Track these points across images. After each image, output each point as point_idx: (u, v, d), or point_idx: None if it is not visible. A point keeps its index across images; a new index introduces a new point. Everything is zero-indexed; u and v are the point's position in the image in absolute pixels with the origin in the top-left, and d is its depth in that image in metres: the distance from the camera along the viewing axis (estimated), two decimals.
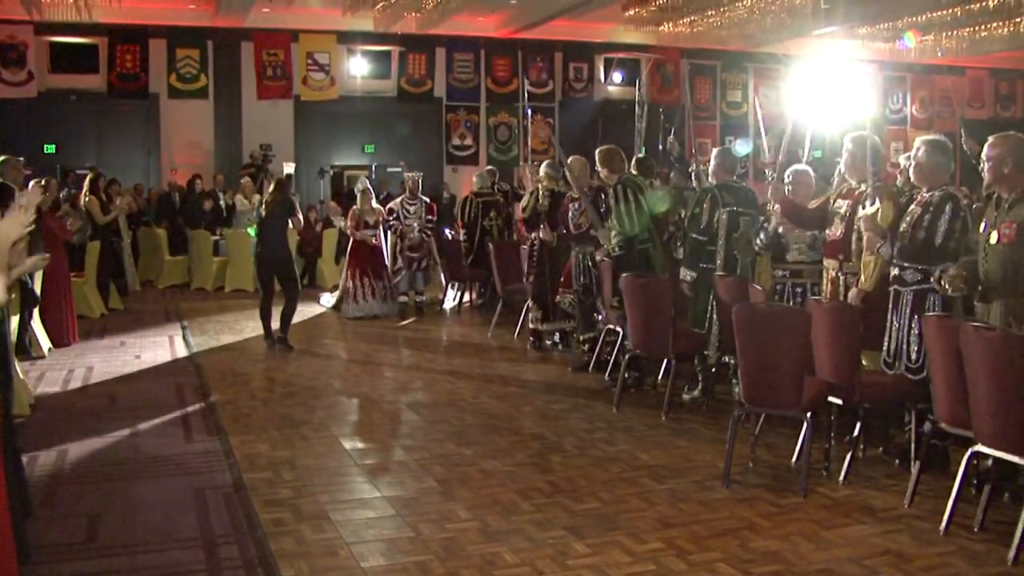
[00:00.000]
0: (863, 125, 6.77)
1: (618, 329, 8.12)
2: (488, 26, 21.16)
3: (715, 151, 7.92)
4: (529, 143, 13.18)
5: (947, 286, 5.22)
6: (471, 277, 13.17)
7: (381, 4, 17.83)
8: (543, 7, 19.01)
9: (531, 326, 10.13)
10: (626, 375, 7.89)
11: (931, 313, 5.56)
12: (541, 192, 9.84)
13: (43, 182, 10.04)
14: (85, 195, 12.72)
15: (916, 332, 5.64)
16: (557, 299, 9.41)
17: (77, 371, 9.06)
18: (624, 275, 7.74)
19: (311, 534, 4.92)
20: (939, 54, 19.58)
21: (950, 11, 17.66)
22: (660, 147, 9.97)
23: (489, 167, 15.60)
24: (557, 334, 10.11)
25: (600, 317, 8.89)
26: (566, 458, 6.28)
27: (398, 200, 12.97)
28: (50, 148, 19.39)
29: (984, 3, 16.80)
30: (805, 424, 5.60)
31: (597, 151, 8.41)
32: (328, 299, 13.46)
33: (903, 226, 5.77)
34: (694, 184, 8.75)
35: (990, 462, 5.04)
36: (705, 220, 7.62)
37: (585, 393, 8.16)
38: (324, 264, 16.14)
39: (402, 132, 21.82)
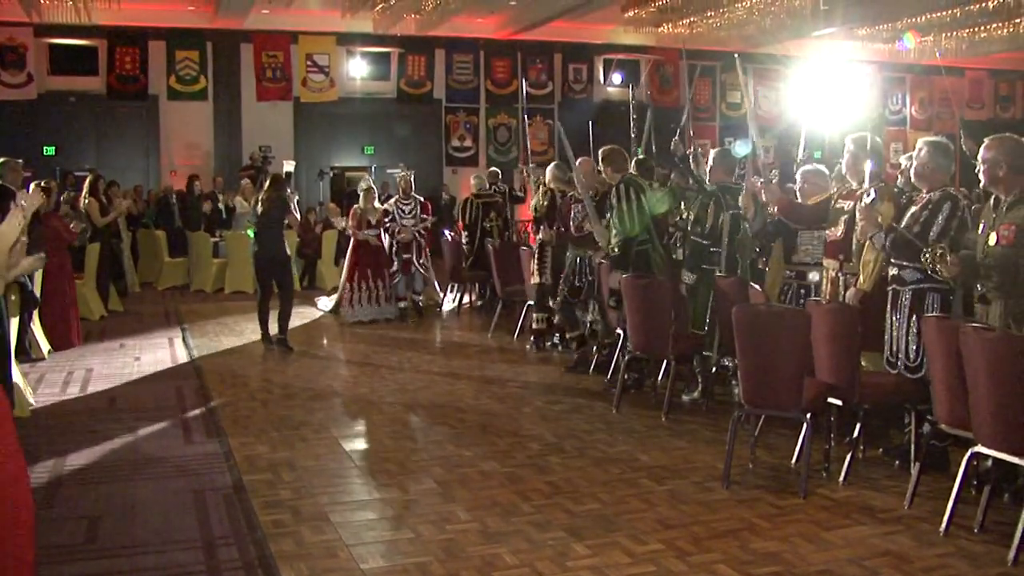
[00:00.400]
0: (863, 126, 6.77)
1: (619, 331, 8.11)
2: (487, 27, 21.18)
3: (714, 152, 7.91)
4: (529, 145, 13.08)
5: (936, 263, 5.23)
6: (471, 278, 13.13)
7: (380, 6, 17.85)
8: (542, 8, 19.03)
9: (534, 327, 10.13)
10: (626, 376, 7.90)
11: (930, 313, 5.57)
12: (541, 193, 9.84)
13: (43, 184, 10.04)
14: (84, 197, 12.72)
15: (915, 331, 5.65)
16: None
17: (77, 373, 9.06)
18: (624, 276, 7.74)
19: (311, 536, 4.92)
20: (938, 55, 19.59)
21: (949, 12, 17.69)
22: (653, 148, 9.94)
23: (492, 168, 15.60)
24: (557, 335, 10.10)
25: (585, 316, 8.96)
26: (566, 459, 6.27)
27: (392, 200, 12.79)
28: (50, 150, 19.42)
29: (983, 4, 16.82)
30: (805, 425, 5.59)
31: (601, 150, 8.41)
32: (326, 302, 13.35)
33: (902, 226, 5.77)
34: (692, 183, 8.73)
35: (990, 463, 5.04)
36: (709, 224, 7.61)
37: (585, 394, 8.16)
38: (324, 266, 16.14)
39: (401, 134, 21.84)
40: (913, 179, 5.93)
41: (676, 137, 8.53)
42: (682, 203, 8.39)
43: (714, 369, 7.70)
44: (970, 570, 4.48)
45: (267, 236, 10.26)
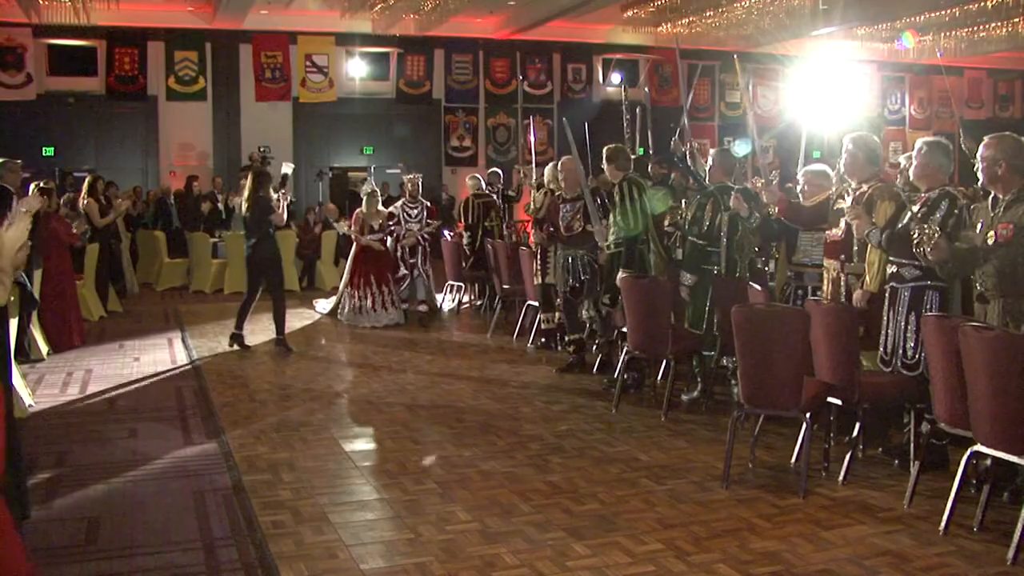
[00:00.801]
0: (861, 125, 6.78)
1: (623, 330, 8.11)
2: (486, 27, 21.19)
3: (713, 152, 7.91)
4: (532, 147, 13.01)
5: (924, 244, 5.24)
6: (471, 279, 13.08)
7: (379, 6, 17.87)
8: (541, 8, 19.04)
9: (542, 327, 10.12)
10: (625, 376, 7.90)
11: (928, 310, 5.59)
12: (541, 193, 9.83)
13: (42, 184, 10.04)
14: (83, 198, 12.72)
15: (913, 328, 5.65)
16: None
17: (76, 374, 9.06)
18: (623, 276, 7.74)
19: (310, 536, 4.92)
20: (939, 54, 19.59)
21: (948, 12, 17.69)
22: (650, 147, 9.94)
23: (493, 169, 15.59)
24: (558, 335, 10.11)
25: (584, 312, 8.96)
26: (565, 459, 6.28)
27: (398, 204, 12.57)
28: (48, 150, 19.42)
29: (982, 4, 16.83)
30: (804, 425, 5.60)
31: (605, 149, 8.41)
32: (323, 305, 13.14)
33: (899, 225, 5.78)
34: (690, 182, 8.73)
35: (989, 462, 5.05)
36: (707, 224, 7.62)
37: (584, 394, 8.16)
38: (323, 266, 16.15)
39: (401, 134, 21.84)
40: (913, 179, 5.94)
41: (675, 137, 8.53)
42: (683, 202, 8.39)
43: (713, 368, 7.70)
44: (969, 569, 4.48)
45: (253, 236, 10.10)
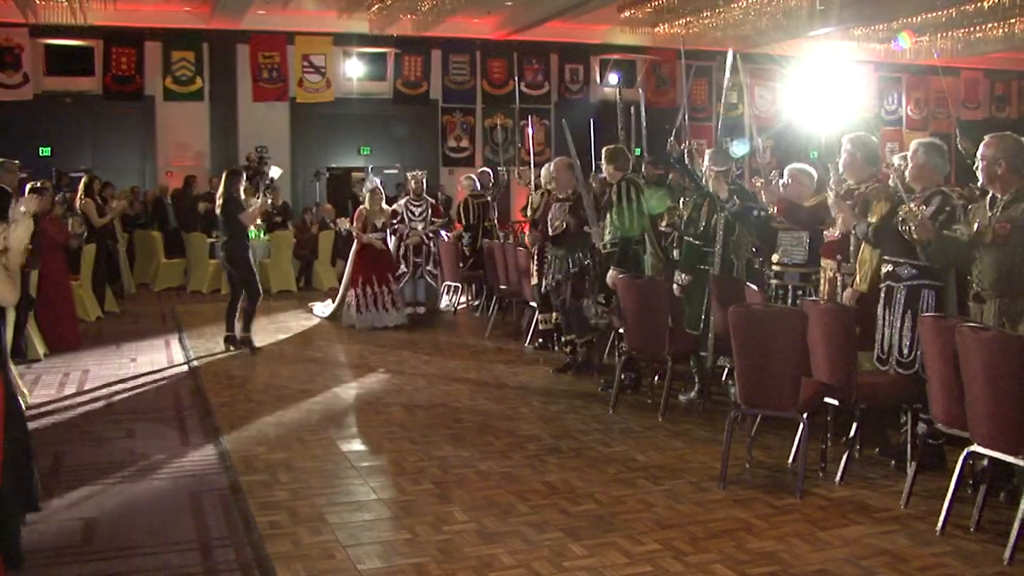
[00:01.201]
0: (858, 126, 6.78)
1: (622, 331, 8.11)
2: (484, 28, 21.16)
3: (709, 151, 7.91)
4: (531, 148, 12.99)
5: (911, 222, 5.26)
6: (469, 279, 13.03)
7: (377, 6, 17.85)
8: (538, 9, 19.02)
9: (540, 328, 10.12)
10: (622, 376, 7.91)
11: (924, 308, 5.62)
12: (538, 194, 9.84)
13: (38, 185, 10.02)
14: (80, 198, 12.69)
15: (909, 327, 5.66)
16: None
17: (73, 374, 9.05)
18: (620, 276, 7.75)
19: (308, 537, 4.92)
20: (936, 55, 19.61)
21: (945, 12, 17.69)
22: (644, 147, 9.93)
23: (483, 169, 15.59)
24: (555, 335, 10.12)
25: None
26: (563, 460, 6.28)
27: (402, 202, 12.34)
28: (45, 151, 19.36)
29: (979, 4, 16.83)
30: (801, 425, 5.60)
31: (604, 149, 8.42)
32: (321, 308, 12.79)
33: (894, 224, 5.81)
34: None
35: (986, 462, 5.06)
36: (702, 224, 7.63)
37: (582, 395, 8.16)
38: (320, 266, 16.16)
39: (398, 134, 21.82)
40: (909, 180, 5.94)
41: (672, 138, 8.53)
42: (680, 202, 8.40)
43: (711, 369, 7.71)
44: (966, 569, 4.49)
45: (226, 234, 10.11)
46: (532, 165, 12.05)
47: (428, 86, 21.66)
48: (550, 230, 9.05)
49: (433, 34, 19.94)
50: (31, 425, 7.07)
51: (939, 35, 19.15)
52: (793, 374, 5.55)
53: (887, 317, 5.84)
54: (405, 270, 12.00)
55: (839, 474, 5.77)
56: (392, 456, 6.39)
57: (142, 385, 8.70)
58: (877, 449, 6.27)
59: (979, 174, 5.41)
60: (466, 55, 21.91)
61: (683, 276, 7.72)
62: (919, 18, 18.27)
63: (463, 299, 13.61)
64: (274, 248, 15.65)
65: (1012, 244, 5.10)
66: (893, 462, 6.02)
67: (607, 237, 8.24)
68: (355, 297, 11.67)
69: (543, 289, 9.39)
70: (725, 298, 6.94)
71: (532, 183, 12.05)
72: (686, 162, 8.41)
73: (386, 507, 5.40)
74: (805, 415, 5.60)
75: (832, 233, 6.50)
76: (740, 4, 17.52)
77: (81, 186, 13.02)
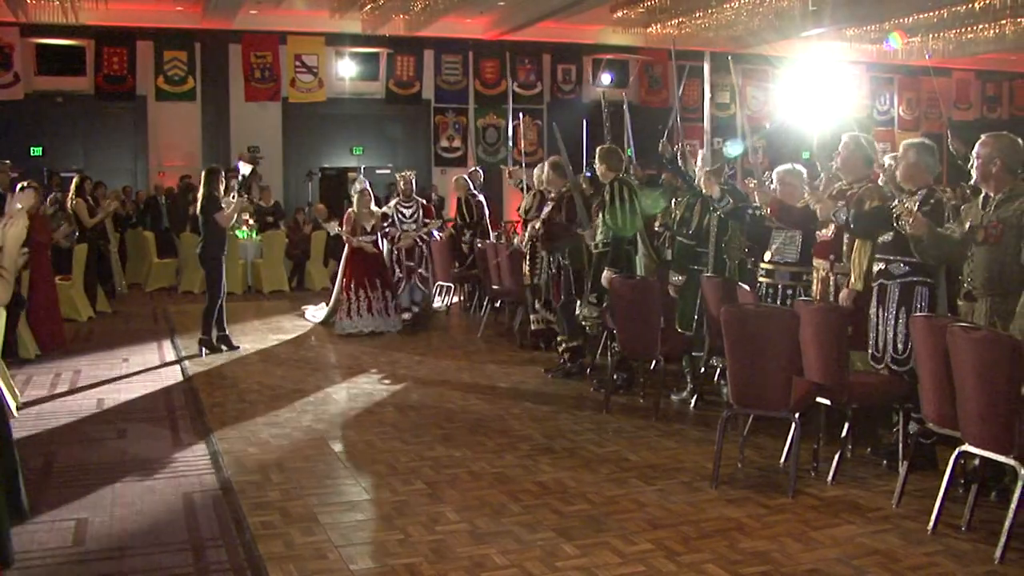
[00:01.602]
0: (850, 126, 6.79)
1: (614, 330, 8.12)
2: (476, 28, 21.17)
3: (702, 152, 7.92)
4: (522, 146, 13.00)
5: (903, 217, 5.28)
6: (465, 278, 12.95)
7: (369, 6, 17.84)
8: (531, 9, 19.03)
9: (532, 328, 10.12)
10: (615, 377, 7.91)
11: (918, 305, 5.65)
12: (531, 195, 9.85)
13: (24, 184, 9.98)
14: (72, 198, 12.67)
15: (903, 324, 5.68)
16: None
17: (64, 374, 9.03)
18: (613, 277, 7.75)
19: (300, 537, 4.91)
20: (927, 56, 19.65)
21: (936, 13, 17.75)
22: (631, 146, 9.95)
23: (474, 168, 15.59)
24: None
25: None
26: (555, 460, 6.28)
27: (392, 203, 11.92)
28: (37, 151, 19.33)
29: (970, 5, 16.89)
30: (793, 425, 5.61)
31: (597, 149, 8.43)
32: (314, 312, 12.45)
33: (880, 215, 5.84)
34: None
35: (977, 462, 5.07)
36: (695, 224, 7.64)
37: (574, 395, 8.17)
38: (312, 266, 16.14)
39: (390, 134, 21.84)
40: (900, 180, 5.96)
41: (664, 138, 8.54)
42: (672, 202, 8.41)
43: (703, 369, 7.72)
44: (957, 568, 4.49)
45: (203, 234, 10.10)
46: (524, 165, 12.03)
47: (420, 86, 21.67)
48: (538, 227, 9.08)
49: (425, 34, 19.94)
50: (23, 425, 7.09)
51: (931, 36, 19.22)
52: (785, 374, 5.55)
53: (880, 315, 5.86)
54: (400, 275, 11.62)
55: (831, 474, 5.78)
56: (384, 456, 6.38)
57: (134, 385, 8.67)
58: (869, 449, 6.29)
59: (973, 172, 5.43)
60: (458, 55, 21.92)
61: (678, 276, 7.73)
62: (911, 19, 18.33)
63: (455, 299, 13.60)
64: (266, 248, 15.63)
65: (1004, 243, 5.11)
66: (885, 462, 6.03)
67: (599, 237, 8.25)
68: (347, 303, 11.30)
69: (534, 284, 9.39)
70: (717, 298, 6.96)
71: (524, 183, 12.06)
72: (679, 163, 8.42)
73: (378, 507, 5.39)
74: (797, 415, 5.60)
75: (825, 233, 6.51)
76: (732, 5, 17.55)
77: (72, 186, 13.00)
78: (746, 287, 6.94)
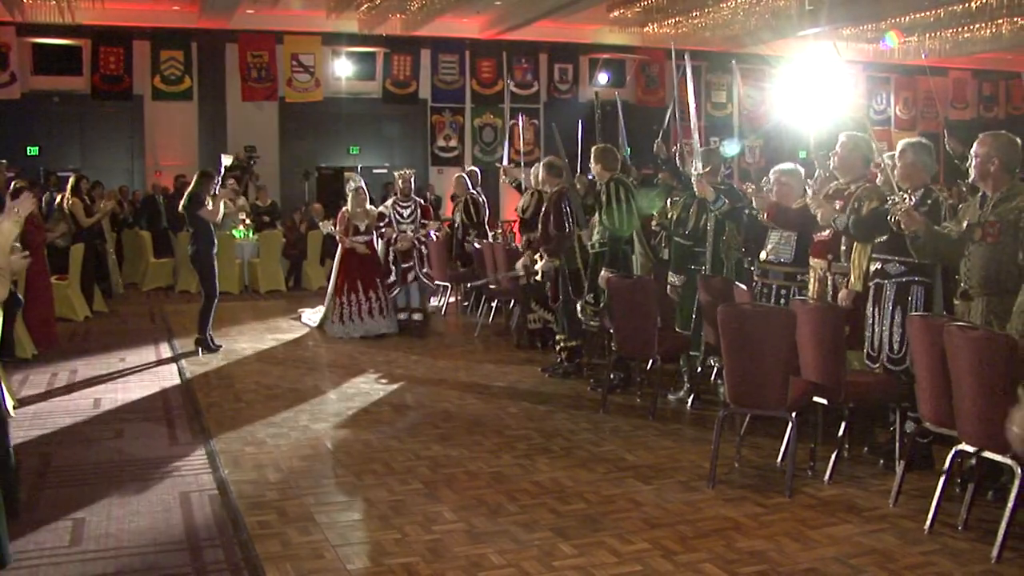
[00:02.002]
0: (846, 126, 6.79)
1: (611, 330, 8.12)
2: (473, 27, 21.15)
3: (699, 151, 7.92)
4: (521, 146, 12.98)
5: (899, 214, 5.29)
6: (457, 277, 12.92)
7: (366, 5, 17.83)
8: (528, 8, 19.02)
9: (530, 327, 10.12)
10: (612, 376, 7.91)
11: (914, 305, 5.65)
12: (528, 195, 9.85)
13: (17, 185, 9.96)
14: (68, 198, 12.65)
15: (899, 324, 5.68)
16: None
17: (61, 374, 9.02)
18: (611, 276, 7.75)
19: (297, 536, 4.91)
20: (924, 55, 19.67)
21: (933, 12, 17.76)
22: (625, 145, 9.94)
23: (471, 168, 15.58)
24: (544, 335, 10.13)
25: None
26: (552, 459, 6.28)
27: (389, 202, 11.59)
28: (33, 150, 19.31)
29: (966, 5, 16.90)
30: (790, 424, 5.61)
31: (593, 148, 8.42)
32: (310, 316, 12.14)
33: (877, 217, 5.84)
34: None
35: (974, 461, 5.08)
36: (692, 224, 7.64)
37: (571, 394, 8.17)
38: (309, 266, 16.13)
39: (387, 133, 21.83)
40: (897, 178, 5.96)
41: (659, 139, 8.53)
42: (668, 202, 8.41)
43: (700, 369, 7.72)
44: (954, 567, 4.50)
45: (191, 232, 10.12)
46: (523, 164, 12.01)
47: (417, 85, 21.64)
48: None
49: (422, 33, 19.93)
50: (19, 425, 7.08)
51: (927, 35, 19.22)
52: (782, 373, 5.56)
53: (876, 315, 5.86)
54: (395, 278, 11.30)
55: (828, 473, 5.78)
56: (381, 456, 6.38)
57: (131, 385, 8.66)
58: (866, 448, 6.29)
59: (971, 171, 5.43)
60: (455, 54, 21.90)
61: (677, 277, 7.73)
62: (907, 18, 18.34)
63: (451, 299, 13.59)
64: (263, 248, 15.62)
65: (1002, 243, 5.12)
66: (881, 461, 6.04)
67: (595, 237, 8.24)
68: (339, 307, 11.06)
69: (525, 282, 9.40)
70: (712, 297, 6.96)
71: (522, 183, 12.04)
72: (676, 163, 8.42)
73: (375, 507, 5.39)
74: (794, 414, 5.61)
75: (823, 232, 6.51)
76: (729, 4, 17.56)
77: (69, 185, 12.98)
78: (743, 287, 6.94)
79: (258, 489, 5.68)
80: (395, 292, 11.28)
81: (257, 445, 6.64)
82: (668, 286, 7.74)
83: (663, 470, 6.03)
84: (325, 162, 21.42)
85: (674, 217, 7.96)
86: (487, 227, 13.12)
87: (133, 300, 14.73)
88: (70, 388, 8.49)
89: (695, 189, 7.38)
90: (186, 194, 10.15)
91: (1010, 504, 4.53)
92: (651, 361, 7.63)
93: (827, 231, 6.44)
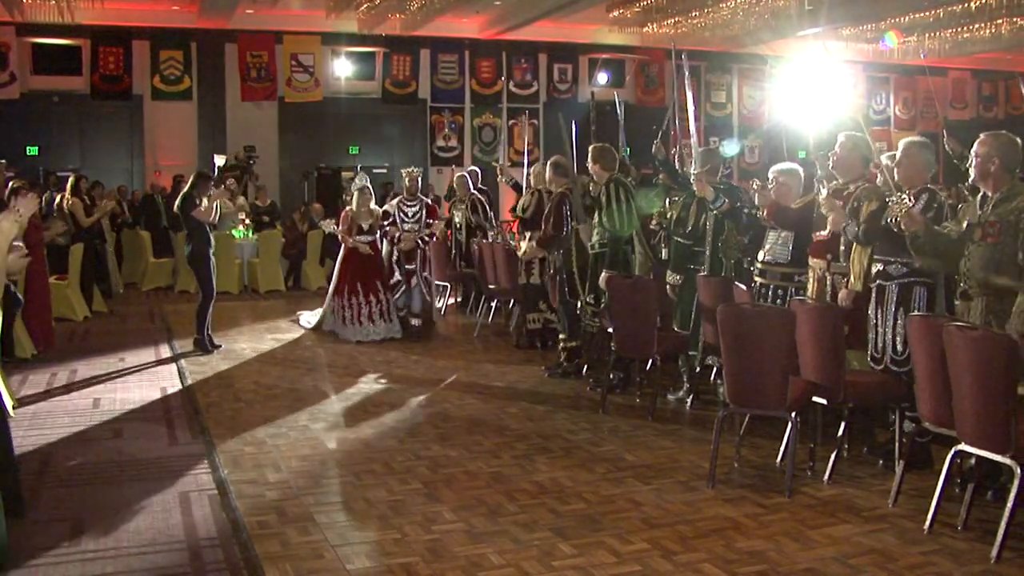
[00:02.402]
0: (845, 125, 6.79)
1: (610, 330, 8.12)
2: (472, 27, 21.16)
3: (698, 151, 7.92)
4: (523, 146, 12.97)
5: (900, 214, 5.29)
6: (457, 277, 12.89)
7: (365, 5, 17.83)
8: (527, 8, 19.02)
9: (529, 327, 10.13)
10: (611, 376, 7.91)
11: (917, 306, 5.65)
12: (528, 194, 9.84)
13: (15, 185, 9.96)
14: (67, 197, 12.65)
15: (902, 325, 5.68)
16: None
17: (60, 374, 9.02)
18: (610, 276, 7.75)
19: (296, 536, 4.91)
20: (923, 55, 19.68)
21: (932, 12, 17.76)
22: (623, 144, 9.95)
23: (471, 168, 15.57)
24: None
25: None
26: (551, 459, 6.28)
27: (394, 201, 11.36)
28: (33, 150, 19.32)
29: (966, 5, 16.90)
30: (790, 424, 5.61)
31: (590, 148, 8.42)
32: (308, 318, 11.98)
33: (884, 223, 5.83)
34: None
35: (973, 461, 5.08)
36: (691, 224, 7.64)
37: (570, 394, 8.17)
38: (309, 266, 16.13)
39: (387, 133, 21.84)
40: (897, 178, 5.96)
41: (658, 139, 8.53)
42: (666, 202, 8.40)
43: (698, 368, 7.72)
44: (954, 567, 4.50)
45: (187, 232, 10.16)
46: (525, 163, 12.00)
47: (417, 85, 21.66)
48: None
49: (422, 33, 19.94)
50: (19, 425, 7.07)
51: (927, 35, 19.22)
52: (781, 373, 5.55)
53: (879, 316, 5.86)
54: (399, 278, 11.12)
55: (827, 473, 5.78)
56: (381, 456, 6.38)
57: (130, 385, 8.66)
58: (865, 448, 6.29)
59: (971, 171, 5.43)
60: (455, 54, 21.91)
61: (675, 276, 7.73)
62: (907, 18, 18.35)
63: (451, 300, 13.59)
64: (262, 248, 15.62)
65: (1001, 243, 5.12)
66: (881, 461, 6.04)
67: (595, 238, 8.24)
68: (340, 310, 10.88)
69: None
70: (712, 297, 6.96)
71: (523, 182, 12.04)
72: (673, 165, 8.41)
73: (375, 507, 5.38)
74: (794, 414, 5.61)
75: (822, 232, 6.51)
76: (729, 4, 17.56)
77: (68, 185, 12.98)
78: (742, 286, 6.94)
79: (257, 489, 5.68)
80: (399, 293, 11.12)
81: (256, 445, 6.64)
82: (667, 286, 7.75)
83: (662, 470, 6.03)
84: (324, 162, 21.42)
85: (673, 217, 7.96)
86: (492, 225, 13.08)
87: (132, 300, 14.73)
88: (69, 388, 8.49)
89: (695, 188, 7.38)
90: (180, 195, 10.18)
91: (1009, 504, 4.53)
92: (650, 361, 7.63)
93: (826, 231, 6.44)
